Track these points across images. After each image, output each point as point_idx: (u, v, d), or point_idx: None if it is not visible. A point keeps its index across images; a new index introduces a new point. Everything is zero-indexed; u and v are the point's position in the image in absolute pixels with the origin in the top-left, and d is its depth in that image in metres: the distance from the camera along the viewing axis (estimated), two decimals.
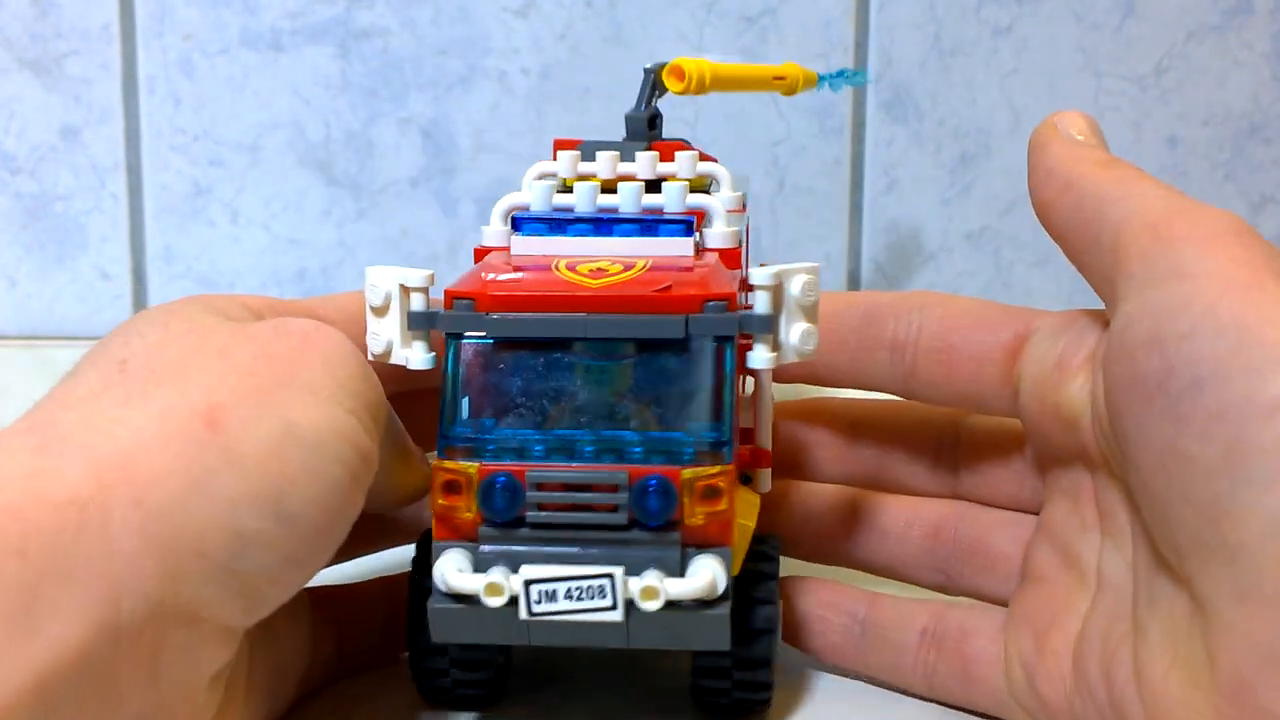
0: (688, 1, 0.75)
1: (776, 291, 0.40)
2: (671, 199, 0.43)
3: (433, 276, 0.42)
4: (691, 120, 0.76)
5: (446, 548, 0.39)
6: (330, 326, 0.40)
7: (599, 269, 0.40)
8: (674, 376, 0.39)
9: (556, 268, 0.41)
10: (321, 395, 0.37)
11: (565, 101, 0.76)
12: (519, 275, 0.40)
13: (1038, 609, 0.42)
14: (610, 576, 0.37)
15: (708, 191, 0.46)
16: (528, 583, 0.37)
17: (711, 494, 0.38)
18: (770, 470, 0.46)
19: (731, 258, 0.43)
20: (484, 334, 0.40)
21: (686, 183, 0.44)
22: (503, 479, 0.38)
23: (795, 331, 0.41)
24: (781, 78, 0.58)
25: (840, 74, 0.63)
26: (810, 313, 0.41)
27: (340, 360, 0.38)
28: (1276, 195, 0.77)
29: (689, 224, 0.42)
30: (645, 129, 0.49)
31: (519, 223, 0.43)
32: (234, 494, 0.35)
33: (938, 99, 0.76)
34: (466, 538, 0.39)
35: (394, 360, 0.42)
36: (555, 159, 0.46)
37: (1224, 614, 0.34)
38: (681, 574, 0.38)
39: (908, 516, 0.47)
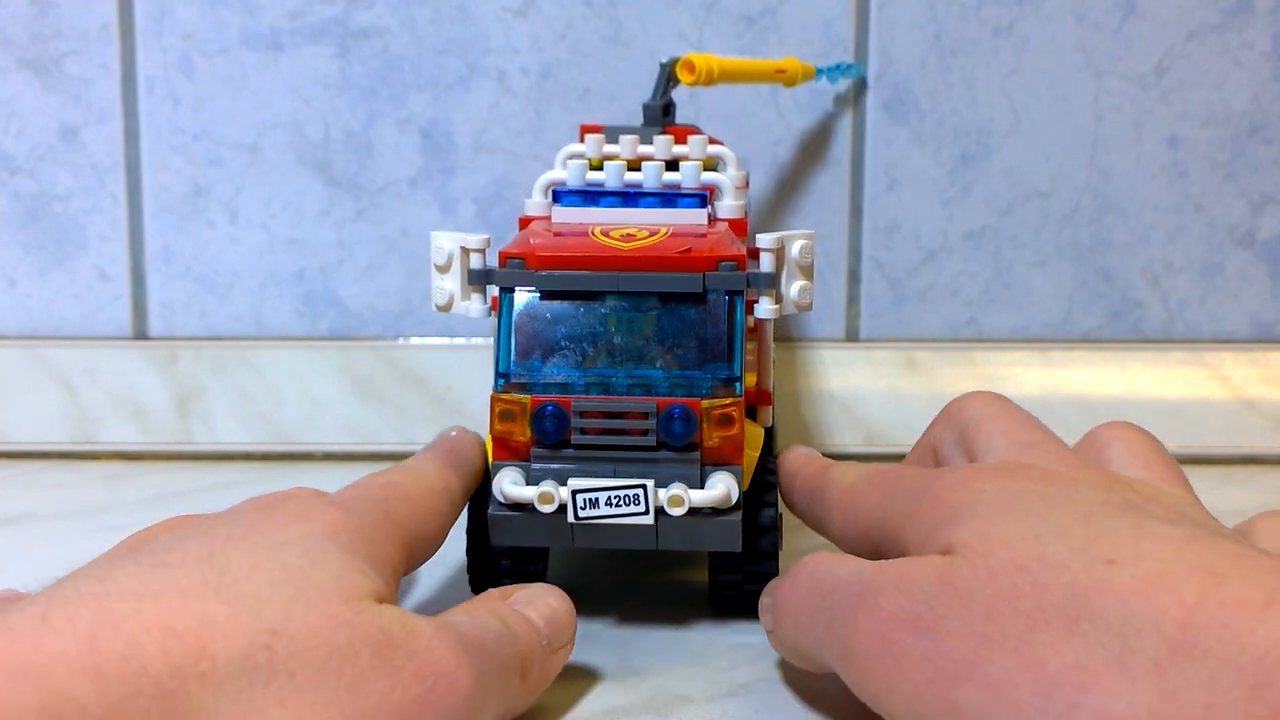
0: (688, 1, 0.75)
1: (779, 254, 0.48)
2: (688, 176, 0.51)
3: (488, 240, 0.49)
4: (692, 118, 0.76)
5: (503, 466, 0.47)
6: (459, 662, 0.38)
7: (628, 234, 0.48)
8: (692, 325, 0.47)
9: (593, 233, 0.48)
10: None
11: (565, 101, 0.76)
12: (561, 239, 0.48)
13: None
14: (644, 486, 0.45)
15: (716, 170, 0.53)
16: (575, 492, 0.45)
17: (725, 421, 0.46)
18: (772, 408, 0.52)
19: (739, 227, 0.51)
20: (533, 288, 0.47)
21: (700, 162, 0.51)
22: (551, 408, 0.46)
23: (794, 287, 0.49)
24: (783, 71, 0.62)
25: (837, 67, 0.67)
26: (807, 272, 0.49)
27: (460, 712, 0.38)
28: (1277, 195, 0.77)
29: (703, 198, 0.50)
30: (660, 116, 0.57)
31: (559, 195, 0.51)
32: None
33: (938, 99, 0.76)
34: (520, 458, 0.47)
35: (455, 310, 0.49)
36: (582, 142, 0.54)
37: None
38: (701, 487, 0.46)
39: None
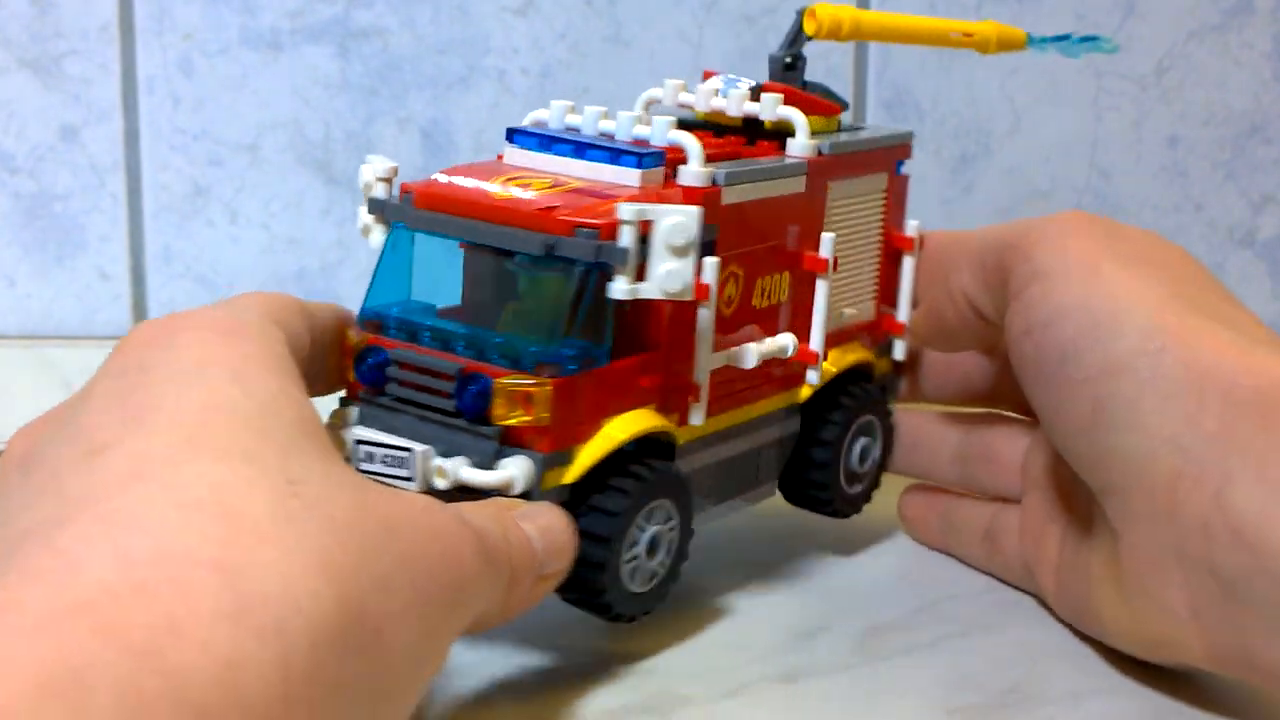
0: (688, 1, 0.75)
1: (642, 228, 0.42)
2: (656, 133, 0.46)
3: (395, 169, 0.47)
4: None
5: (348, 402, 0.45)
6: (456, 524, 0.36)
7: (528, 184, 0.44)
8: (546, 291, 0.43)
9: (496, 177, 0.45)
10: (463, 620, 0.36)
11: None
12: (462, 179, 0.45)
13: (1032, 518, 0.51)
14: (411, 451, 0.42)
15: (791, 136, 0.50)
16: (357, 441, 0.43)
17: (525, 401, 0.42)
18: (704, 405, 0.47)
19: (694, 195, 0.45)
20: (403, 223, 0.45)
21: (670, 120, 0.46)
22: (372, 354, 0.44)
23: (661, 269, 0.43)
24: (970, 35, 0.55)
25: (1065, 38, 0.57)
26: (680, 252, 0.43)
27: (479, 582, 0.37)
28: (1277, 195, 0.77)
29: (655, 156, 0.45)
30: (780, 70, 0.53)
31: (511, 135, 0.48)
32: (356, 715, 0.31)
33: (938, 99, 0.76)
34: (355, 397, 0.45)
35: (371, 240, 0.46)
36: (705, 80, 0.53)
37: (1119, 534, 0.43)
38: (492, 467, 0.42)
39: (939, 434, 0.56)
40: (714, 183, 0.46)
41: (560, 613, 0.51)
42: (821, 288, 0.50)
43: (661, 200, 0.44)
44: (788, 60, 0.53)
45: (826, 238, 0.50)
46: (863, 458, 0.54)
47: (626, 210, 0.42)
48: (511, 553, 0.39)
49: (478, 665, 0.47)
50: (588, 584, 0.44)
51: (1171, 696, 0.45)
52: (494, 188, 0.44)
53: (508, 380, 0.42)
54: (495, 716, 0.44)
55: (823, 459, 0.52)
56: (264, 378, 0.36)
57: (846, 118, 0.54)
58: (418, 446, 0.42)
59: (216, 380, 0.35)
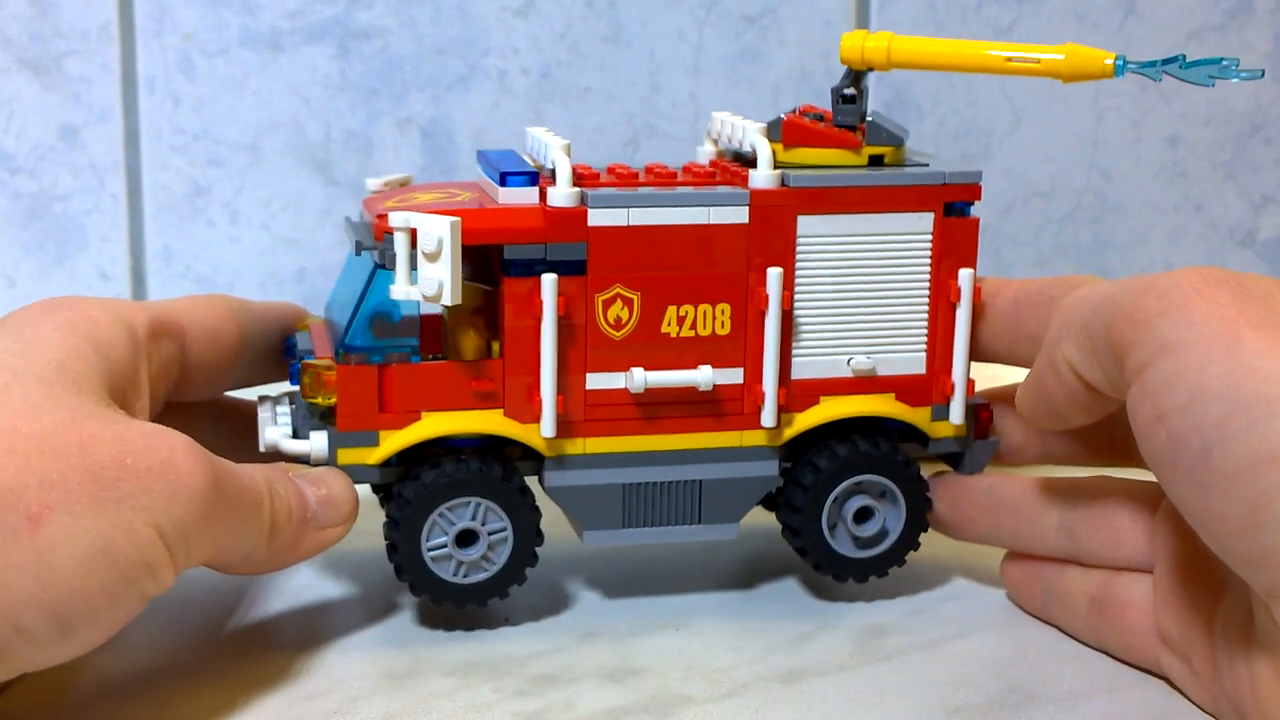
0: (688, 1, 0.75)
1: (411, 235, 0.46)
2: (536, 151, 0.51)
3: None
4: (691, 120, 0.76)
5: None
6: (194, 449, 0.41)
7: (430, 197, 0.50)
8: (359, 289, 0.48)
9: (428, 192, 0.51)
10: (149, 521, 0.40)
11: (565, 101, 0.76)
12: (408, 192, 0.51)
13: (1177, 595, 0.45)
14: (260, 418, 0.49)
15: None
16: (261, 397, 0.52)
17: (321, 383, 0.48)
18: (550, 418, 0.49)
19: (554, 215, 0.48)
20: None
21: (563, 145, 0.49)
22: (289, 339, 0.52)
23: (421, 275, 0.46)
24: (1037, 60, 0.48)
25: (1175, 60, 0.48)
26: (432, 258, 0.46)
27: (187, 496, 0.41)
28: (1277, 195, 0.77)
29: (504, 176, 0.49)
30: (836, 103, 0.51)
31: (481, 158, 0.53)
32: (28, 596, 0.37)
33: (938, 99, 0.76)
34: None
35: None
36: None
37: None
38: (305, 438, 0.48)
39: (1041, 498, 0.50)
40: (580, 203, 0.48)
41: (560, 612, 0.51)
42: (771, 325, 0.49)
43: (509, 216, 0.47)
44: (846, 93, 0.51)
45: (773, 273, 0.48)
46: (862, 519, 0.51)
47: (395, 218, 0.46)
48: (274, 502, 0.44)
49: (477, 664, 0.47)
50: (392, 563, 0.49)
51: (1170, 696, 0.45)
52: (414, 199, 0.49)
53: (310, 363, 0.48)
54: (494, 716, 0.44)
55: (798, 502, 0.50)
56: (45, 330, 0.43)
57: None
58: (263, 414, 0.49)
59: (6, 337, 0.42)
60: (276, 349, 0.53)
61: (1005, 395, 0.52)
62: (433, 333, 0.51)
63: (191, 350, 0.48)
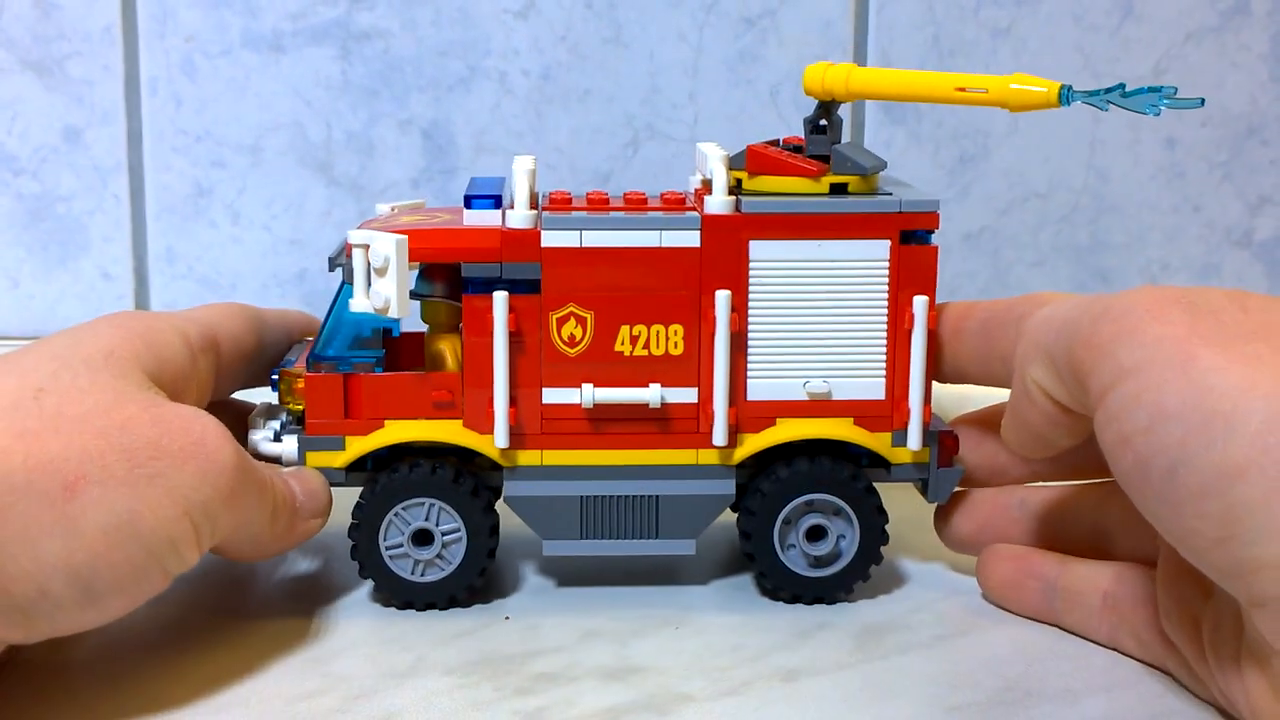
0: (688, 2, 0.75)
1: (365, 251, 0.49)
2: (510, 181, 0.52)
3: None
4: (691, 121, 0.76)
5: None
6: (224, 430, 0.44)
7: (420, 219, 0.52)
8: (334, 302, 0.51)
9: (416, 213, 0.54)
10: (178, 500, 0.42)
11: (565, 102, 0.76)
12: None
13: (1176, 592, 0.45)
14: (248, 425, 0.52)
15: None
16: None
17: (293, 391, 0.51)
18: (503, 429, 0.50)
19: (512, 236, 0.50)
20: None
21: (529, 173, 0.50)
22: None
23: (372, 289, 0.49)
24: (963, 90, 0.49)
25: (1116, 89, 0.48)
26: (380, 273, 0.49)
27: (215, 475, 0.43)
28: (1274, 196, 0.78)
29: (469, 199, 0.51)
30: (808, 132, 0.53)
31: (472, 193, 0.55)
32: (55, 559, 0.39)
33: None
34: None
35: None
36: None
37: (1275, 647, 0.38)
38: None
39: (1069, 505, 0.51)
40: (536, 225, 0.50)
41: (560, 610, 0.51)
42: (721, 346, 0.50)
43: (466, 236, 0.50)
44: (819, 122, 0.52)
45: (721, 295, 0.49)
46: (815, 538, 0.51)
47: (354, 236, 0.49)
48: (276, 487, 0.47)
49: (478, 663, 0.47)
50: (354, 560, 0.51)
51: (1166, 694, 0.45)
52: (393, 220, 0.52)
53: (287, 371, 0.51)
54: (494, 714, 0.44)
55: (745, 527, 0.51)
56: (99, 327, 0.46)
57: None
58: (255, 417, 0.52)
59: (65, 334, 0.45)
60: (298, 337, 0.56)
61: (989, 418, 0.52)
62: (412, 347, 0.54)
63: (223, 364, 0.51)
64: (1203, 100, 0.50)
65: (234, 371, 0.52)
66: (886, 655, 0.48)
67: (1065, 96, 0.47)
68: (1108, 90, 0.48)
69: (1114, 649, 0.48)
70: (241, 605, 0.51)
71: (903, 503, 0.54)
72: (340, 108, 0.76)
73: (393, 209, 0.55)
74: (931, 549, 0.55)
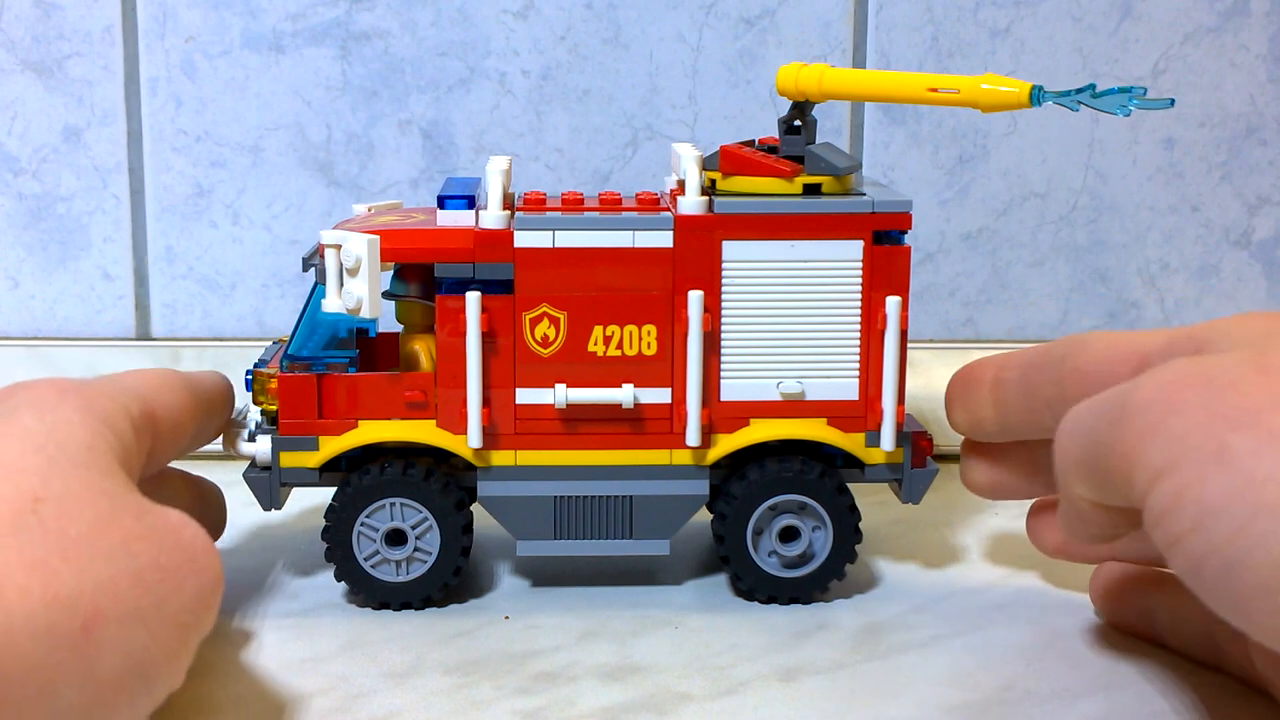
0: (687, 3, 0.75)
1: (337, 251, 0.49)
2: (482, 181, 0.52)
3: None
4: (690, 121, 0.76)
5: None
6: (210, 543, 0.42)
7: (386, 218, 0.53)
8: (308, 302, 0.51)
9: (394, 213, 0.55)
10: (181, 629, 0.40)
11: (565, 103, 0.76)
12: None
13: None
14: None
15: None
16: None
17: (265, 391, 0.52)
18: (476, 429, 0.51)
19: (484, 236, 0.50)
20: None
21: (502, 173, 0.50)
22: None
23: (344, 289, 0.49)
24: (935, 90, 0.49)
25: (1086, 90, 0.48)
26: (351, 273, 0.49)
27: (211, 594, 0.41)
28: (1273, 196, 0.78)
29: (443, 199, 0.51)
30: (783, 132, 0.53)
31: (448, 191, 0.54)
32: (68, 708, 0.36)
33: None
34: None
35: None
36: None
37: None
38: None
39: None
40: (508, 225, 0.50)
41: (560, 610, 0.51)
42: (694, 346, 0.50)
43: (439, 237, 0.50)
44: (793, 123, 0.52)
45: (694, 295, 0.50)
46: (788, 539, 0.52)
47: (327, 236, 0.49)
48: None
49: (477, 662, 0.47)
50: (329, 560, 0.51)
51: (1165, 695, 0.45)
52: (369, 221, 0.52)
53: (260, 372, 0.52)
54: (494, 714, 0.44)
55: (717, 530, 0.52)
56: (65, 413, 0.42)
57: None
58: (235, 417, 0.53)
59: (27, 411, 0.41)
60: (220, 413, 0.53)
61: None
62: (390, 348, 0.54)
63: (160, 440, 0.48)
64: (1172, 101, 0.50)
65: (165, 452, 0.49)
66: (886, 655, 0.48)
67: (1036, 97, 0.48)
68: (1078, 90, 0.48)
69: (1219, 670, 0.46)
70: (241, 605, 0.52)
71: (901, 504, 0.54)
72: (340, 108, 0.76)
73: (369, 210, 0.55)
74: (930, 551, 0.56)
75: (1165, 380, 0.38)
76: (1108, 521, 0.43)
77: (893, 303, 0.50)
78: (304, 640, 0.49)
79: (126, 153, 0.77)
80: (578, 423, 0.51)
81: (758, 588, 0.52)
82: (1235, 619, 0.37)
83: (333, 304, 0.50)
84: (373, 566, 0.51)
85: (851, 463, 0.52)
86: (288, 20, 0.76)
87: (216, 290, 0.78)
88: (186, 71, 0.76)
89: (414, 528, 0.51)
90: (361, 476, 0.50)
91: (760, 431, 0.51)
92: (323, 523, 0.51)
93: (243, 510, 0.55)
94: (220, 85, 0.76)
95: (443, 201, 0.51)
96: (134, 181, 0.77)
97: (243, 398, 0.55)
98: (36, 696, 0.34)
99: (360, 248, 0.48)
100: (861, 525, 0.53)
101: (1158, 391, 0.38)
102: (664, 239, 0.50)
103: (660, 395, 0.51)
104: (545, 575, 0.54)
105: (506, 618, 0.51)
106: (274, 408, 0.52)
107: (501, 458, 0.51)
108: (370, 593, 0.51)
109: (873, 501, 0.57)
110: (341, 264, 0.49)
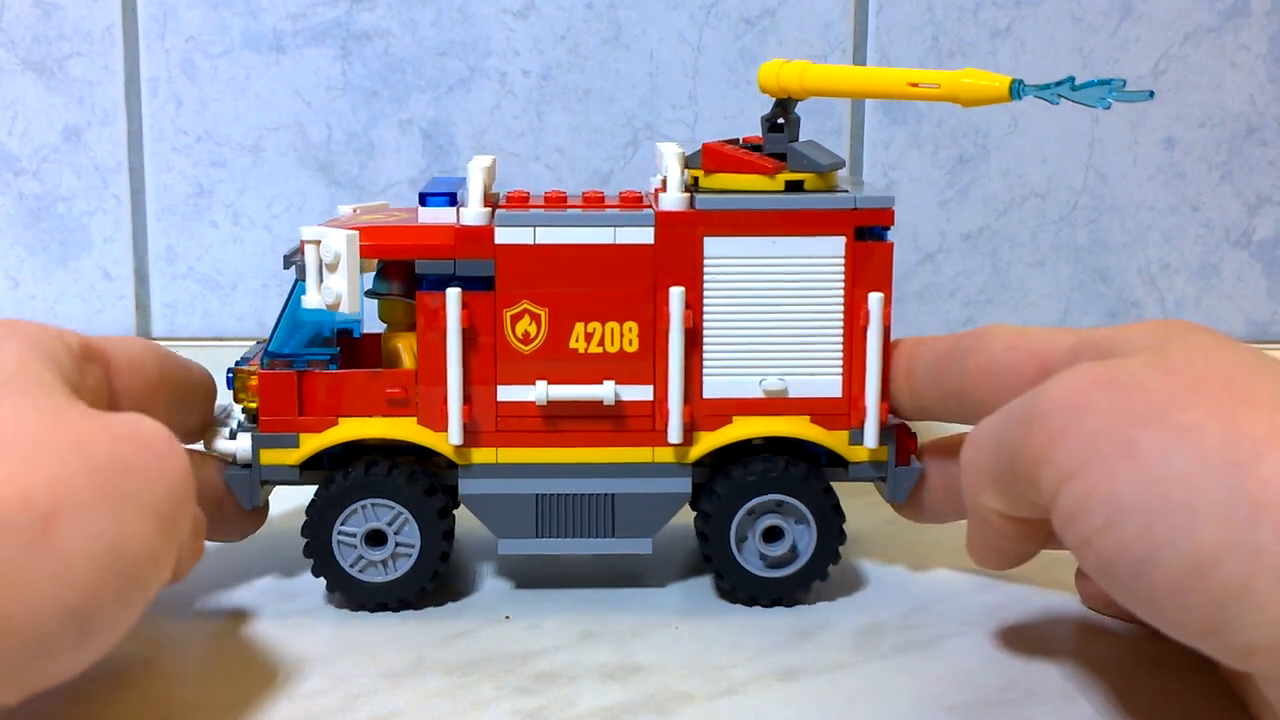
0: (687, 3, 0.75)
1: (316, 247, 0.49)
2: (466, 180, 0.52)
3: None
4: (691, 121, 0.76)
5: None
6: (172, 438, 0.41)
7: (369, 216, 0.53)
8: (288, 298, 0.51)
9: (378, 211, 0.54)
10: (154, 520, 0.39)
11: (565, 102, 0.76)
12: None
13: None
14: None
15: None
16: None
17: (246, 388, 0.51)
18: (457, 426, 0.50)
19: (465, 233, 0.50)
20: None
21: (485, 171, 0.50)
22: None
23: (323, 285, 0.49)
24: (916, 85, 0.48)
25: (1065, 83, 0.48)
26: (330, 268, 0.49)
27: (181, 486, 0.41)
28: (1273, 196, 0.78)
29: (424, 197, 0.51)
30: (766, 130, 0.53)
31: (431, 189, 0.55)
32: (51, 600, 0.36)
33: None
34: None
35: None
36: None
37: None
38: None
39: None
40: (489, 222, 0.50)
41: (560, 610, 0.51)
42: (675, 343, 0.50)
43: (420, 233, 0.50)
44: (776, 120, 0.52)
45: (675, 292, 0.49)
46: (771, 538, 0.51)
47: (307, 232, 0.49)
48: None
49: (477, 662, 0.47)
50: (306, 556, 0.51)
51: (1163, 695, 0.45)
52: (353, 219, 0.52)
53: (241, 369, 0.51)
54: (495, 714, 0.44)
55: (701, 529, 0.51)
56: (8, 344, 0.42)
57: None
58: (220, 416, 0.53)
59: None
60: (199, 398, 0.53)
61: (947, 447, 0.51)
62: (374, 347, 0.54)
63: (117, 377, 0.48)
64: (1151, 93, 0.49)
65: (133, 390, 0.48)
66: (885, 655, 0.48)
67: (1016, 90, 0.47)
68: (1058, 84, 0.47)
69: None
70: (240, 605, 0.52)
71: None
72: (340, 108, 0.76)
73: (354, 210, 0.55)
74: (930, 551, 0.56)
75: (1073, 383, 0.38)
76: (1015, 534, 0.43)
77: (875, 299, 0.50)
78: (304, 640, 0.49)
79: (127, 153, 0.77)
80: (559, 420, 0.51)
81: (739, 587, 0.52)
82: (1149, 616, 0.36)
83: (313, 299, 0.49)
84: (360, 571, 0.51)
85: (835, 461, 0.52)
86: (288, 20, 0.76)
87: (217, 290, 0.78)
88: (187, 71, 0.76)
89: (390, 524, 0.51)
90: (328, 485, 0.50)
91: (743, 429, 0.51)
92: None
93: None
94: (220, 85, 0.76)
95: (424, 198, 0.51)
96: (134, 181, 0.77)
97: (226, 397, 0.55)
98: (8, 588, 0.35)
99: (339, 243, 0.48)
100: (860, 526, 0.53)
101: (1066, 394, 0.38)
102: (645, 235, 0.50)
103: (642, 392, 0.50)
104: (545, 576, 0.54)
105: (507, 618, 0.51)
106: (255, 405, 0.51)
107: (482, 455, 0.51)
108: (362, 597, 0.51)
109: (869, 503, 0.57)
110: (321, 259, 0.49)
